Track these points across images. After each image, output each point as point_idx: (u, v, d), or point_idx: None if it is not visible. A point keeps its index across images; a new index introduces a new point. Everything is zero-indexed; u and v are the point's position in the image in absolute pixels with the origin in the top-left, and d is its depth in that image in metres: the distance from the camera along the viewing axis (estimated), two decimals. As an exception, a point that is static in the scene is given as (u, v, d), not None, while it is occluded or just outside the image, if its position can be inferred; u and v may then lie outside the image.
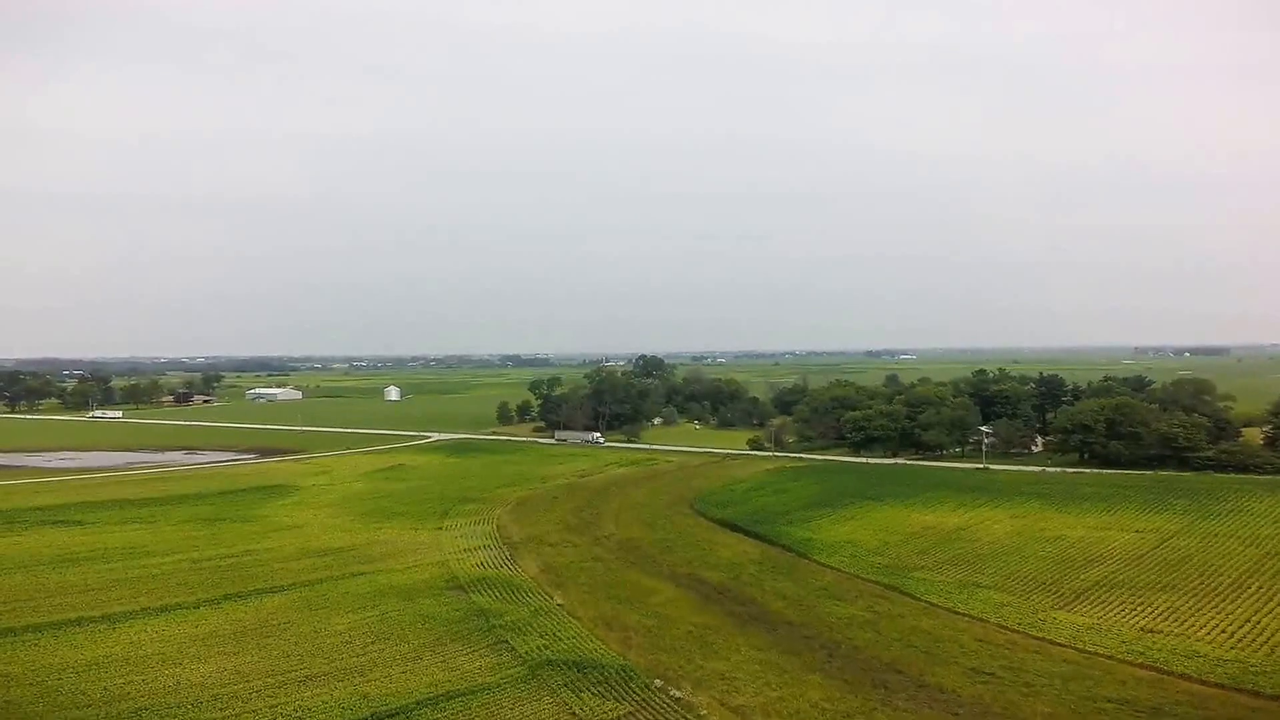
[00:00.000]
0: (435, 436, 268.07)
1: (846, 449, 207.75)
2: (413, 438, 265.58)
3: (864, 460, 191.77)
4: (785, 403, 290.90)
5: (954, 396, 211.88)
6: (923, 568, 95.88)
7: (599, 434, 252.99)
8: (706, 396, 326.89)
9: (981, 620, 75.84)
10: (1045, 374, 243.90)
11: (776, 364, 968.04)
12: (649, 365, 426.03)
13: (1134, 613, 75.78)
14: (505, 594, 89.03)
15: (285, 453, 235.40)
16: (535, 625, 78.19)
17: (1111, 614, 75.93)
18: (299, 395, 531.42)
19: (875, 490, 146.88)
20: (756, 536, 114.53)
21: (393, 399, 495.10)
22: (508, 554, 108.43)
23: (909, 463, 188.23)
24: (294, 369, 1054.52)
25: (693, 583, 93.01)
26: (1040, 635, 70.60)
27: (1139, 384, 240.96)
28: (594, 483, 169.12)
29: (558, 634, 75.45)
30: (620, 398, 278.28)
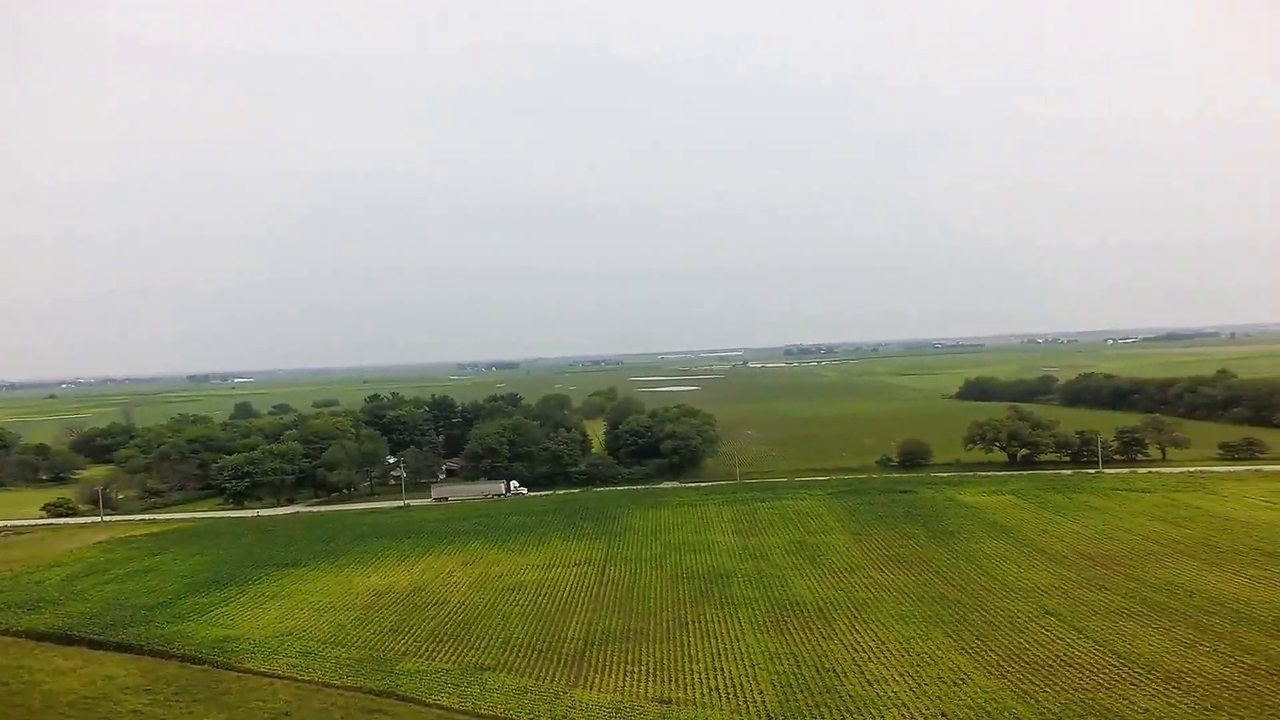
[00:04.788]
0: None
1: (220, 502, 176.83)
2: None
3: (253, 513, 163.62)
4: (101, 449, 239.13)
5: (355, 428, 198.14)
6: (407, 654, 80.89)
7: (515, 480, 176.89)
8: None
9: (514, 723, 65.77)
10: (437, 396, 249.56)
11: (53, 396, 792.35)
12: None
13: (635, 677, 73.50)
14: None
15: None
16: None
17: (621, 683, 72.55)
18: None
19: (289, 553, 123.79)
20: (126, 649, 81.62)
21: None
22: None
23: (314, 510, 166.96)
24: None
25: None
26: (584, 731, 64.00)
27: (514, 400, 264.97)
28: None
29: None
30: None
